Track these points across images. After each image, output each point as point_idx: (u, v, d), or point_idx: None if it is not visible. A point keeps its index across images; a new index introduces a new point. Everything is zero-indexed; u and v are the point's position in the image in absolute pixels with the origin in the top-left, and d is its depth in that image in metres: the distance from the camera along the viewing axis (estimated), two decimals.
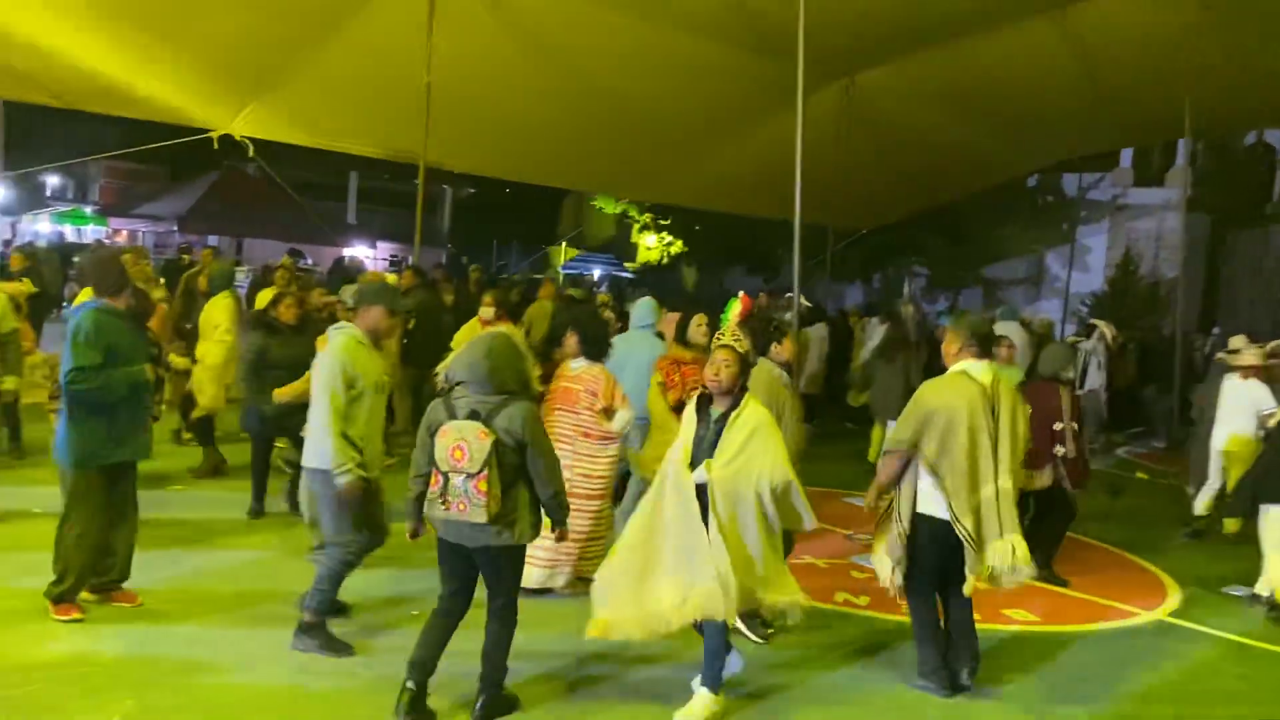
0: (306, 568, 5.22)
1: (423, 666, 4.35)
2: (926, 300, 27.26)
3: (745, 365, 4.60)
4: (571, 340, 6.03)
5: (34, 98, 14.01)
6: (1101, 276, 28.56)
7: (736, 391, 4.56)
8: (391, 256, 31.89)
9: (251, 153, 14.49)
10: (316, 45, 11.67)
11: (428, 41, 10.50)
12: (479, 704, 4.37)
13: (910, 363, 10.13)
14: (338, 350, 5.00)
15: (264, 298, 10.96)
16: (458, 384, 4.37)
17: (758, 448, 4.46)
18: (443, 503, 4.21)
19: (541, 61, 12.17)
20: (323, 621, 5.04)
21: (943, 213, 22.87)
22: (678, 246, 30.30)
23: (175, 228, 26.25)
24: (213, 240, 26.72)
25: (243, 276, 21.27)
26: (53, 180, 35.19)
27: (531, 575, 5.71)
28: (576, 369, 6.03)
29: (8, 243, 19.41)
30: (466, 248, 32.22)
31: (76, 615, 5.12)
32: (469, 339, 7.38)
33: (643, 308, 7.33)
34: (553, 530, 4.61)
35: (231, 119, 13.61)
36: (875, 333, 13.15)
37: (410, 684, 4.31)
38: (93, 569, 5.22)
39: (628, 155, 15.07)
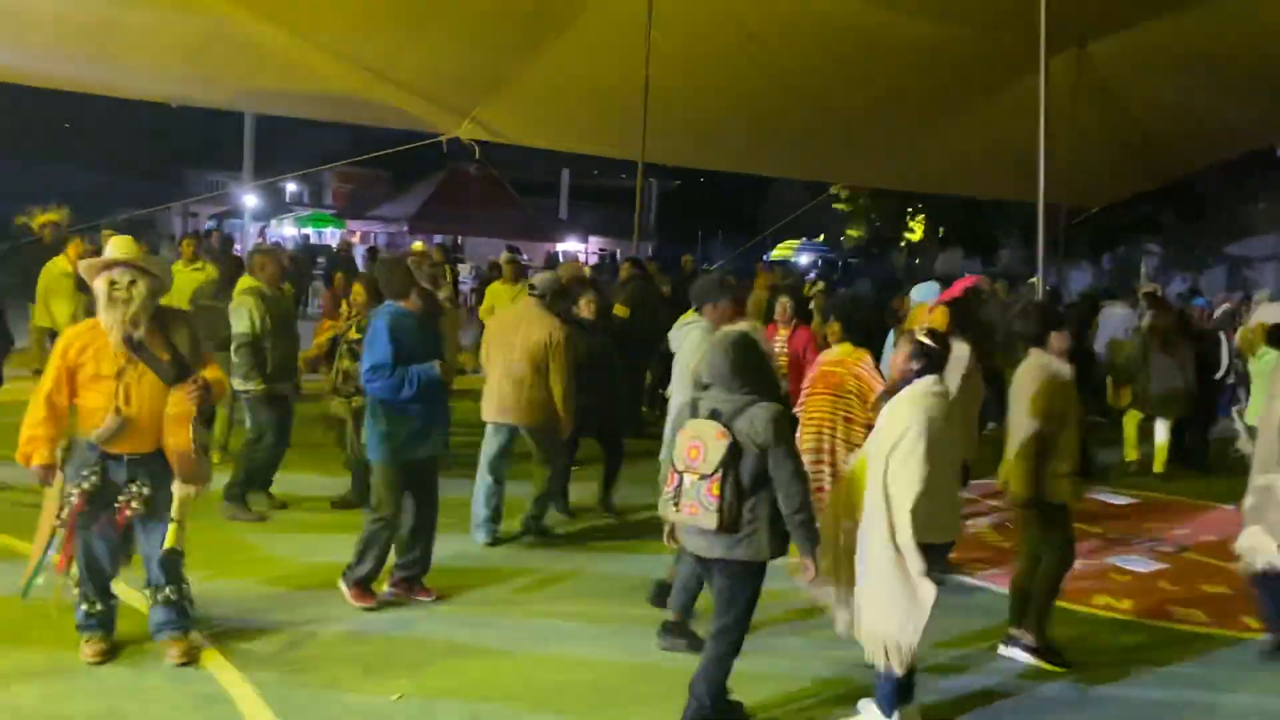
0: (563, 555, 5.36)
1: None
2: (1162, 281, 25.42)
3: (925, 358, 4.23)
4: (835, 326, 6.04)
5: (281, 110, 15.17)
6: None
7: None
8: (601, 250, 32.57)
9: (476, 154, 15.15)
10: (537, 49, 12.03)
11: (646, 39, 10.60)
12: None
13: (1186, 353, 9.44)
14: None
15: (495, 292, 11.48)
16: (706, 385, 4.22)
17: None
18: (675, 503, 4.07)
19: (755, 49, 12.06)
20: (684, 621, 5.02)
21: (1179, 188, 21.24)
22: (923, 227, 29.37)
23: (405, 228, 27.75)
24: (437, 239, 28.13)
25: (466, 273, 22.30)
26: (291, 187, 37.96)
27: None
28: (839, 353, 5.94)
29: (258, 245, 21.04)
30: (672, 240, 32.51)
31: (370, 604, 5.35)
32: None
33: (926, 289, 7.23)
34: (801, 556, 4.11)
35: (459, 123, 14.25)
36: (1112, 318, 12.34)
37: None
38: (383, 560, 5.44)
39: (841, 140, 14.75)
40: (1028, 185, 10.02)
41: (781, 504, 4.02)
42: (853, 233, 31.86)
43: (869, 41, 11.83)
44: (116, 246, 4.40)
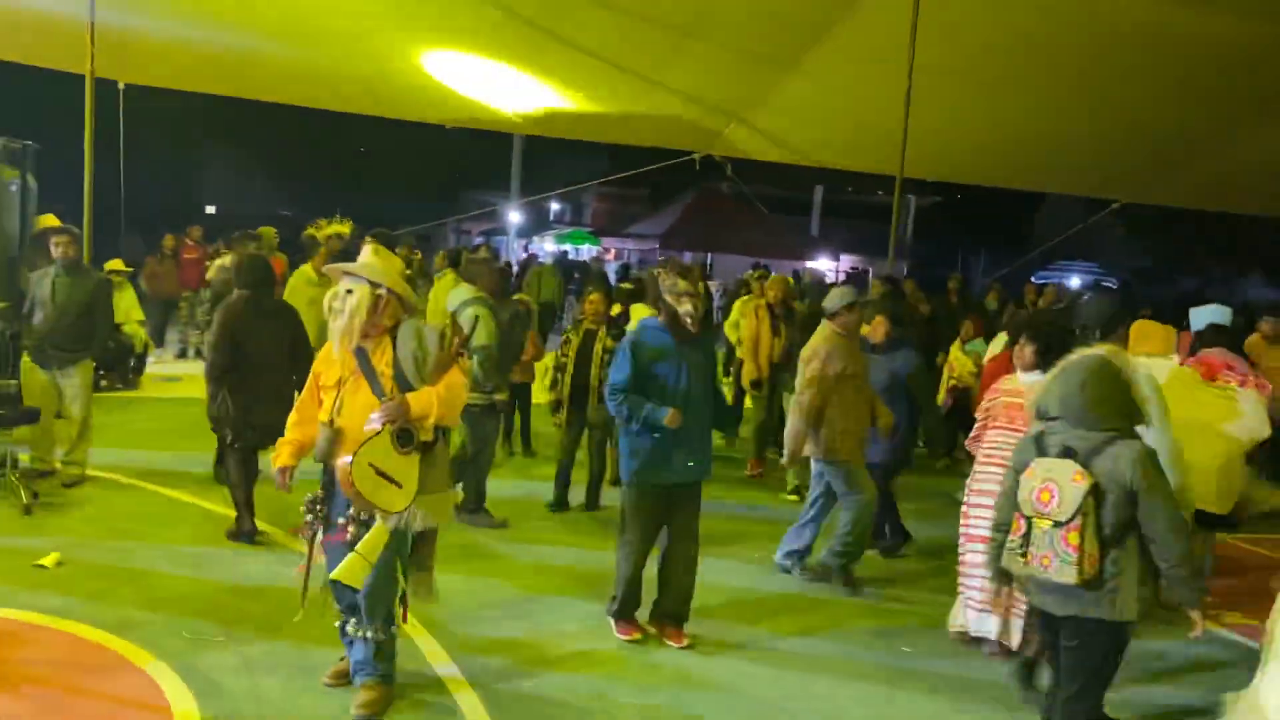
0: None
1: None
2: None
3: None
4: (1027, 350, 5.15)
5: (551, 132, 15.73)
6: None
7: None
8: (851, 269, 31.82)
9: (729, 171, 15.10)
10: (795, 62, 11.80)
11: (910, 47, 10.10)
12: None
13: None
14: None
15: (741, 307, 11.30)
16: (1050, 419, 3.73)
17: None
18: (1023, 555, 3.61)
19: (1031, 53, 11.26)
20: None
21: None
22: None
23: (657, 245, 28.25)
24: (686, 257, 28.44)
25: (715, 290, 22.34)
26: (554, 206, 39.67)
27: (968, 619, 5.15)
28: (1027, 382, 5.05)
29: (523, 260, 22.04)
30: (929, 259, 31.30)
31: (635, 635, 5.11)
32: None
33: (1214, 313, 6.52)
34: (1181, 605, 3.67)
35: (712, 141, 14.25)
36: None
37: None
38: (634, 587, 5.22)
39: (1128, 152, 13.57)
40: None
41: (1158, 556, 3.54)
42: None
43: (1165, 42, 10.73)
44: (364, 254, 4.29)
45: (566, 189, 22.73)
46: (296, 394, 4.60)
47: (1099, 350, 3.75)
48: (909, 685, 4.88)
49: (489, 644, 4.98)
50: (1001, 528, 3.79)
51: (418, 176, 38.29)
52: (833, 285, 10.43)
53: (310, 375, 4.36)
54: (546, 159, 33.53)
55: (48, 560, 5.66)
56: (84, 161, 9.57)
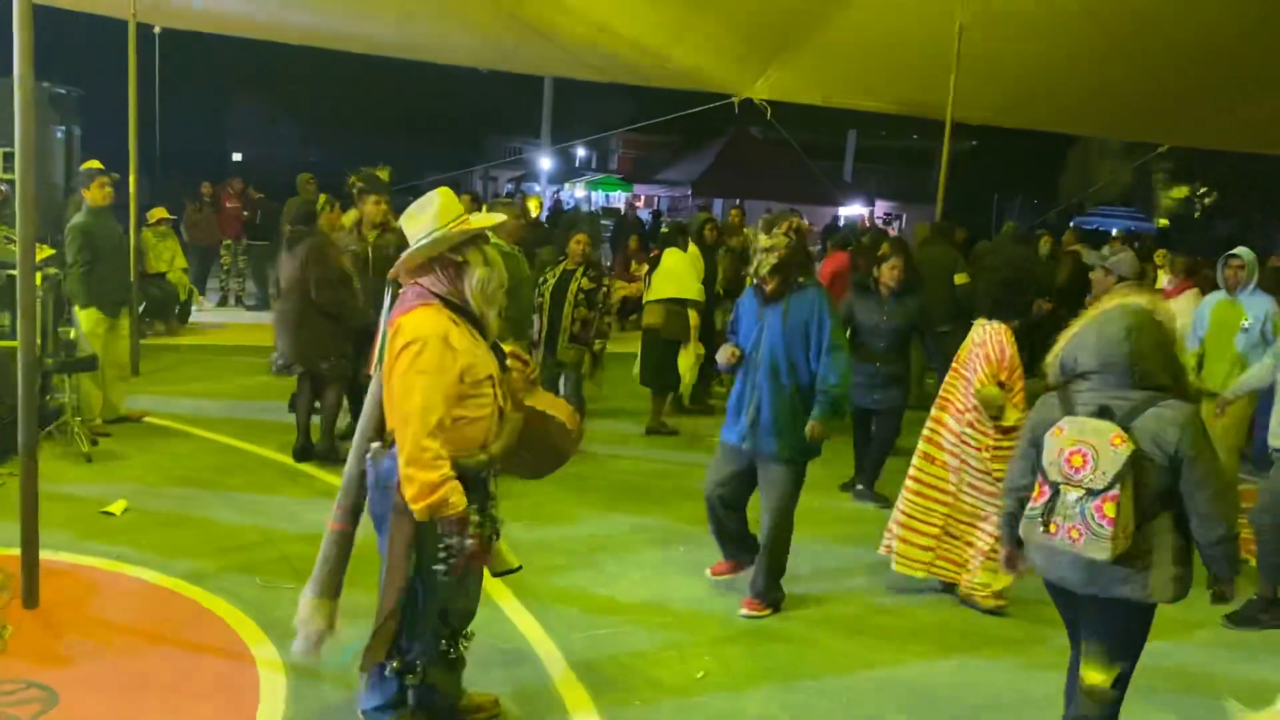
0: None
1: None
2: None
3: None
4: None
5: (579, 74, 15.48)
6: None
7: None
8: (886, 214, 31.45)
9: (769, 114, 14.81)
10: (838, 2, 11.49)
11: None
12: None
13: None
14: None
15: None
16: (1079, 374, 3.33)
17: None
18: (1045, 524, 3.21)
19: None
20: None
21: None
22: (1212, 197, 26.55)
23: (689, 192, 27.95)
24: (718, 204, 28.14)
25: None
26: (580, 153, 39.32)
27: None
28: (985, 331, 5.13)
29: (552, 207, 21.87)
30: (966, 204, 30.88)
31: (760, 612, 4.94)
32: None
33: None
34: (1210, 588, 3.31)
35: (752, 83, 13.96)
36: None
37: None
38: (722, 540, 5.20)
39: (1179, 94, 13.17)
40: None
41: (1198, 531, 3.16)
42: (1177, 194, 28.93)
43: None
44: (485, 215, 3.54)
45: (604, 133, 22.48)
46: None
47: (1140, 300, 3.36)
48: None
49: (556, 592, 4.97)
50: (1018, 491, 3.45)
51: (445, 122, 38.06)
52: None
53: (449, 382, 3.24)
54: (574, 105, 33.20)
55: (115, 507, 5.69)
56: (126, 108, 9.47)
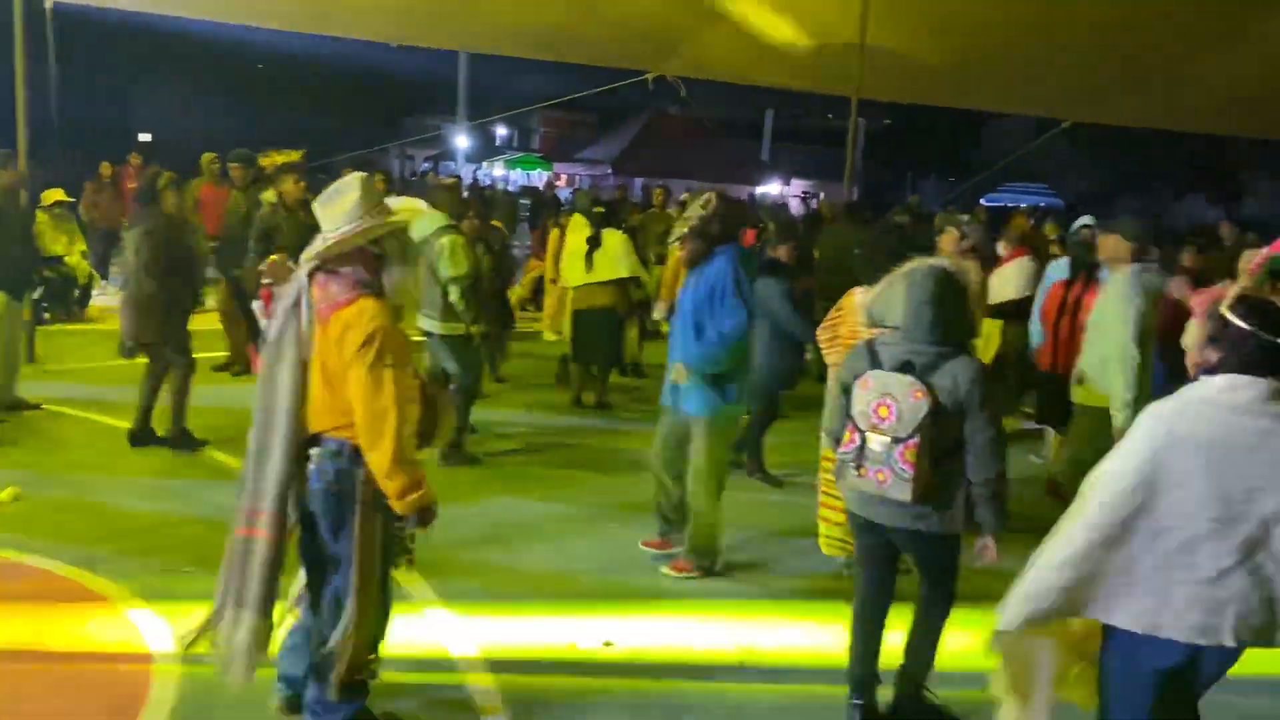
0: None
1: (865, 684, 3.77)
2: None
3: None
4: None
5: (492, 49, 15.33)
6: None
7: None
8: (804, 193, 31.79)
9: (682, 91, 14.85)
10: None
11: None
12: (894, 703, 3.77)
13: None
14: None
15: None
16: (887, 327, 3.67)
17: None
18: (856, 468, 3.53)
19: None
20: None
21: None
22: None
23: (609, 170, 27.92)
24: (638, 183, 28.15)
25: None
26: (500, 131, 38.94)
27: None
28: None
29: (472, 186, 21.64)
30: (881, 182, 31.36)
31: (689, 573, 5.07)
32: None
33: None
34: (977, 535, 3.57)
35: (666, 59, 13.97)
36: None
37: (857, 703, 3.77)
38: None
39: (1082, 71, 13.53)
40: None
41: (972, 472, 3.49)
42: (1083, 171, 29.81)
43: None
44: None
45: (517, 110, 22.29)
46: None
47: (943, 261, 3.72)
48: None
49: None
50: (833, 434, 3.79)
51: (359, 100, 37.34)
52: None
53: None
54: (493, 84, 32.82)
55: (4, 495, 5.53)
56: (14, 84, 9.13)
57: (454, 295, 6.48)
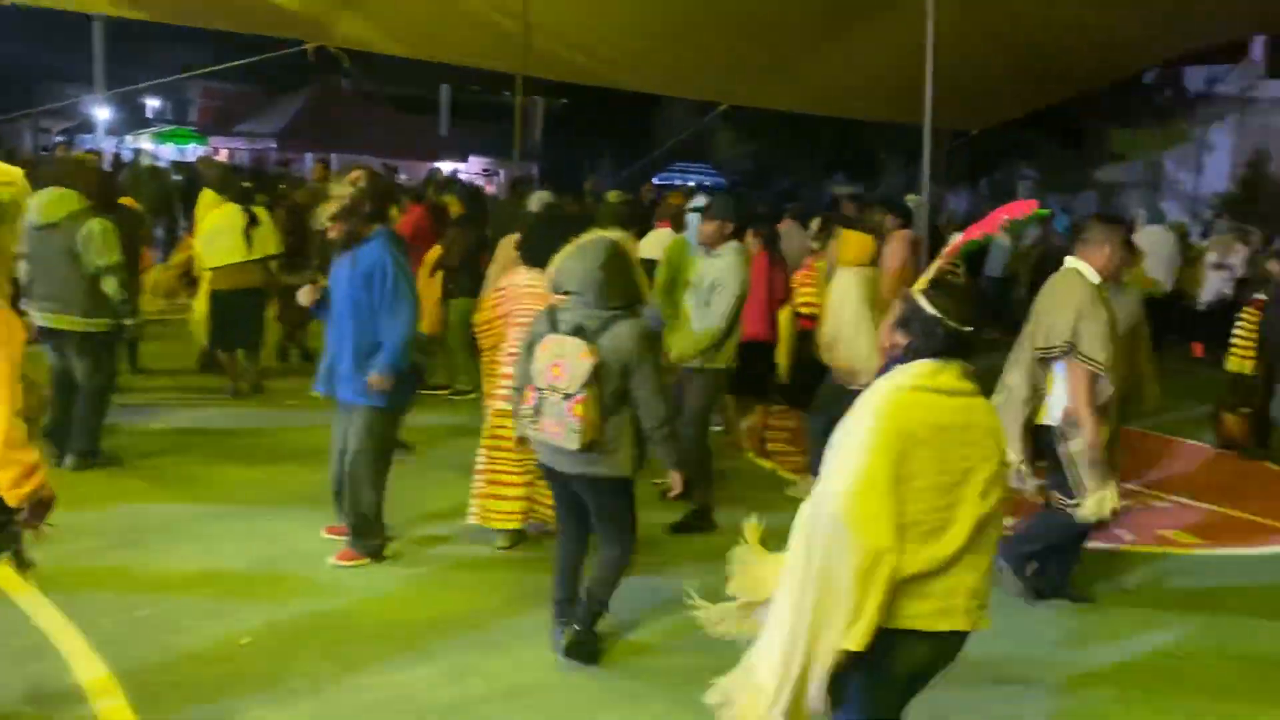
0: None
1: (563, 606, 4.19)
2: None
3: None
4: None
5: (129, 13, 13.99)
6: (1225, 177, 26.97)
7: None
8: (484, 170, 31.69)
9: (346, 64, 14.30)
10: None
11: None
12: (567, 638, 4.08)
13: None
14: None
15: None
16: (565, 293, 3.99)
17: None
18: (534, 421, 3.92)
19: None
20: None
21: (1054, 114, 21.63)
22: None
23: (273, 145, 26.41)
24: (308, 158, 26.84)
25: None
26: (153, 102, 35.69)
27: None
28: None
29: (114, 160, 19.67)
30: (559, 161, 31.83)
31: (356, 561, 4.93)
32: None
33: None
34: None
35: (327, 30, 13.38)
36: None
37: (560, 620, 4.15)
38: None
39: (728, 58, 14.39)
40: (911, 107, 9.90)
41: (643, 420, 3.93)
42: (739, 151, 31.80)
43: None
44: None
45: (157, 81, 20.51)
46: None
47: (611, 234, 4.07)
48: None
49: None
50: (518, 393, 4.09)
51: None
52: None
53: None
54: (142, 51, 29.97)
55: None
56: None
57: (111, 287, 5.87)
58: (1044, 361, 4.70)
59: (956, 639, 2.68)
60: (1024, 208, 3.51)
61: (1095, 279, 4.71)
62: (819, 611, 2.57)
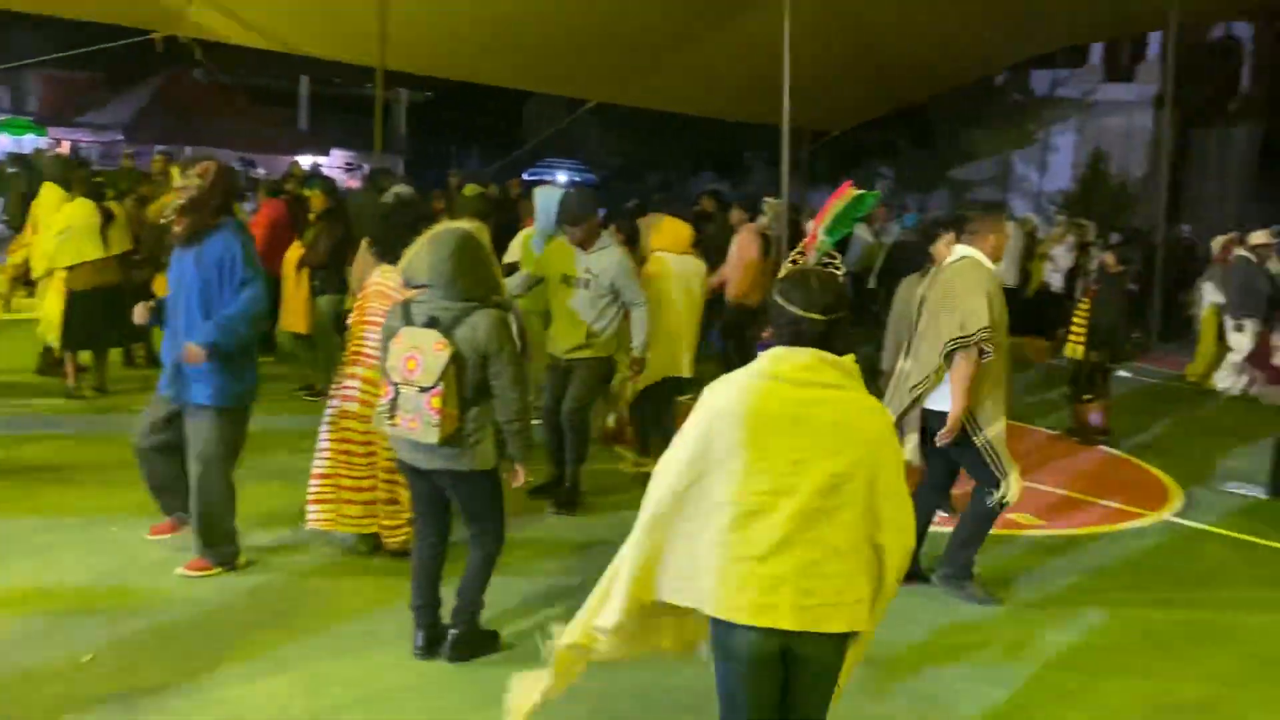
0: None
1: (423, 610, 4.09)
2: (896, 203, 27.01)
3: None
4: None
5: None
6: (1069, 176, 28.44)
7: None
8: (347, 164, 30.92)
9: (197, 55, 13.75)
10: None
11: None
12: (450, 639, 4.04)
13: None
14: None
15: None
16: (418, 286, 3.92)
17: None
18: (390, 417, 3.82)
19: None
20: None
21: (911, 114, 22.46)
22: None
23: (120, 136, 25.16)
24: (155, 149, 25.66)
25: None
26: None
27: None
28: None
29: None
30: (424, 155, 31.30)
31: (207, 571, 4.73)
32: None
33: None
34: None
35: (177, 19, 12.83)
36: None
37: (420, 625, 4.08)
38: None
39: (593, 56, 14.41)
40: (773, 108, 10.12)
41: (499, 410, 3.91)
42: (608, 148, 31.88)
43: None
44: None
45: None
46: None
47: (464, 225, 4.00)
48: None
49: None
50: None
51: None
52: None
53: None
54: None
55: None
56: None
57: None
58: (952, 353, 4.71)
59: (809, 639, 2.56)
60: (843, 191, 3.65)
61: (990, 265, 4.85)
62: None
